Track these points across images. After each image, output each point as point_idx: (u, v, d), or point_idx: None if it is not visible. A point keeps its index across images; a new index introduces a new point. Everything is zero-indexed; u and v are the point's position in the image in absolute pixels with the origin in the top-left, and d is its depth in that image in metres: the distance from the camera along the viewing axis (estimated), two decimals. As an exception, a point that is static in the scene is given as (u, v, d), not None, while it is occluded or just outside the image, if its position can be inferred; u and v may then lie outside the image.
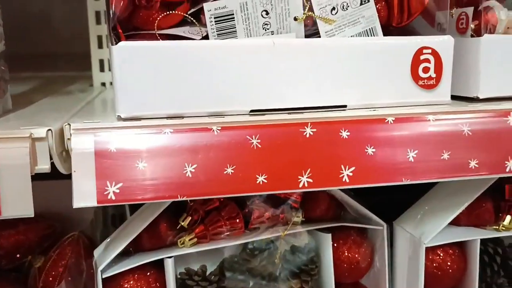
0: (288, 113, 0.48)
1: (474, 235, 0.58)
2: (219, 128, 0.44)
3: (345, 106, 0.50)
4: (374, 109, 0.50)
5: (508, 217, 0.58)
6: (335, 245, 0.60)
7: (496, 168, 0.49)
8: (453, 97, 0.56)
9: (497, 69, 0.53)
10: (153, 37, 0.47)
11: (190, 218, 0.55)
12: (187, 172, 0.43)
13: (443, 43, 0.51)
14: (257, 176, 0.45)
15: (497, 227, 0.58)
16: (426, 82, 0.51)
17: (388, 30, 0.52)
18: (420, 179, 0.48)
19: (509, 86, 0.54)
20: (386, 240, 0.61)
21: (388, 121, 0.48)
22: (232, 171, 0.44)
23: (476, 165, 0.49)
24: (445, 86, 0.52)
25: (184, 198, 0.43)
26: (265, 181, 0.45)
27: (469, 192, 0.57)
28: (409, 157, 0.47)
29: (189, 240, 0.54)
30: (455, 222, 0.59)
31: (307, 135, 0.46)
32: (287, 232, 0.58)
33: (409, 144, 0.48)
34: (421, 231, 0.58)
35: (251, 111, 0.48)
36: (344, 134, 0.47)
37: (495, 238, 0.60)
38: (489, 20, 0.54)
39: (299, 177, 0.46)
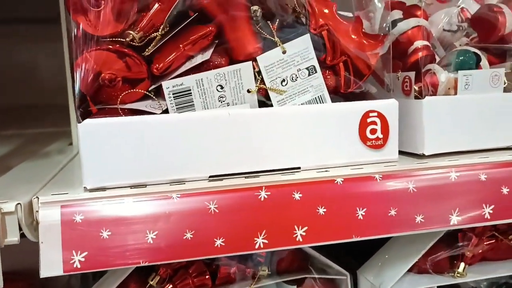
0: (246, 177, 0.52)
1: (432, 283, 0.61)
2: (179, 195, 0.48)
3: (299, 168, 0.54)
4: (326, 170, 0.54)
5: (462, 264, 0.61)
6: (301, 296, 0.63)
7: (440, 222, 0.53)
8: (403, 153, 0.60)
9: (440, 127, 0.57)
10: (117, 111, 0.51)
11: (158, 277, 0.57)
12: (148, 239, 0.46)
13: (388, 106, 0.55)
14: (215, 240, 0.48)
15: (453, 274, 0.61)
16: (374, 142, 0.55)
17: (342, 94, 0.57)
18: (369, 236, 0.51)
19: (452, 142, 0.58)
20: (350, 288, 0.64)
21: (337, 182, 0.51)
22: (191, 236, 0.47)
23: (422, 220, 0.52)
24: (392, 145, 0.56)
25: (146, 264, 0.46)
26: (223, 244, 0.48)
27: (424, 241, 0.61)
28: (358, 215, 0.51)
29: (158, 298, 0.56)
30: (414, 270, 0.62)
31: (262, 199, 0.49)
32: (254, 286, 0.60)
33: (357, 203, 0.51)
34: (381, 280, 0.61)
35: (210, 176, 0.51)
36: (297, 196, 0.50)
37: (454, 285, 0.63)
38: (431, 82, 0.58)
39: (255, 238, 0.49)
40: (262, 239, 0.49)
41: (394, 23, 0.61)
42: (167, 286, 0.57)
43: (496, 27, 0.60)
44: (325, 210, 0.50)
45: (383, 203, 0.52)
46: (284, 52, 0.52)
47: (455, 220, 0.53)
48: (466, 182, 0.54)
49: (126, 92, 0.49)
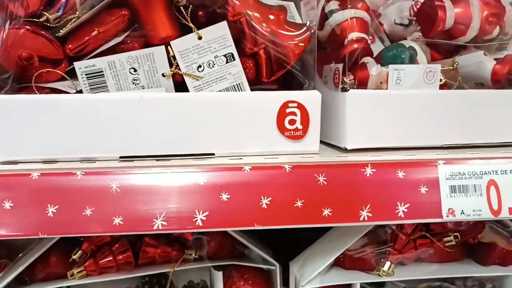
0: (156, 160, 0.53)
1: (354, 279, 0.60)
2: (83, 173, 0.49)
3: (213, 154, 0.54)
4: (240, 157, 0.54)
5: (387, 263, 0.60)
6: (228, 283, 0.64)
7: (349, 217, 0.52)
8: (332, 146, 0.59)
9: (363, 122, 0.56)
10: (39, 90, 0.53)
11: (81, 252, 0.59)
12: (49, 212, 0.48)
13: (309, 97, 0.55)
14: (114, 218, 0.49)
15: (379, 273, 0.60)
16: (293, 133, 0.55)
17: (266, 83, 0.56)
18: (272, 225, 0.51)
19: (377, 138, 0.56)
20: (279, 279, 0.64)
21: (245, 169, 0.51)
22: (91, 212, 0.49)
23: (330, 214, 0.51)
24: (313, 137, 0.55)
25: (45, 236, 0.48)
26: (121, 223, 0.49)
27: (349, 237, 0.60)
28: (262, 204, 0.51)
29: (78, 272, 0.58)
30: (342, 265, 0.62)
31: (169, 182, 0.50)
32: (177, 268, 0.61)
33: (263, 191, 0.51)
34: (302, 272, 0.60)
35: (121, 157, 0.53)
36: (201, 181, 0.51)
37: (380, 283, 0.62)
38: (361, 75, 0.57)
39: (154, 220, 0.50)
40: (161, 220, 0.50)
41: (331, 13, 0.59)
42: (89, 261, 0.59)
43: (435, 22, 0.57)
44: (228, 196, 0.51)
45: (289, 194, 0.51)
46: (199, 38, 0.52)
47: (366, 216, 0.52)
48: (381, 178, 0.53)
49: (42, 71, 0.51)
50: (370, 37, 0.65)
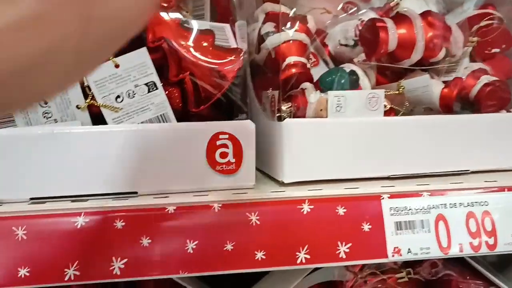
0: (72, 201, 0.48)
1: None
2: (-16, 219, 0.44)
3: (135, 193, 0.49)
4: (166, 196, 0.49)
5: (336, 305, 0.55)
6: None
7: (285, 260, 0.47)
8: (273, 179, 0.55)
9: (302, 153, 0.51)
10: None
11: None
12: None
13: (242, 128, 0.50)
14: (19, 270, 0.44)
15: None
16: (225, 167, 0.50)
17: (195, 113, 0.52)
18: (199, 272, 0.46)
19: (316, 170, 0.52)
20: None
21: (168, 210, 0.46)
22: (-9, 264, 0.43)
23: (263, 257, 0.47)
24: (247, 170, 0.51)
25: None
26: (28, 274, 0.44)
27: (291, 279, 0.55)
28: (188, 249, 0.46)
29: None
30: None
31: (79, 226, 0.45)
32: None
33: (189, 234, 0.46)
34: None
35: (31, 199, 0.47)
36: (119, 224, 0.45)
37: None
38: (299, 102, 0.53)
39: (66, 270, 0.44)
40: (73, 270, 0.44)
41: (267, 36, 0.55)
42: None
43: (377, 44, 0.53)
44: (149, 241, 0.46)
45: (218, 236, 0.46)
46: (117, 66, 0.48)
47: (303, 258, 0.47)
48: (320, 216, 0.48)
49: None
50: (314, 60, 0.62)
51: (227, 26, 0.56)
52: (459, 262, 0.61)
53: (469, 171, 0.57)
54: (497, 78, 0.57)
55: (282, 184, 0.52)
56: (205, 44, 0.49)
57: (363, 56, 0.62)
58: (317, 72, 0.60)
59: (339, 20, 0.63)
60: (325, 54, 0.61)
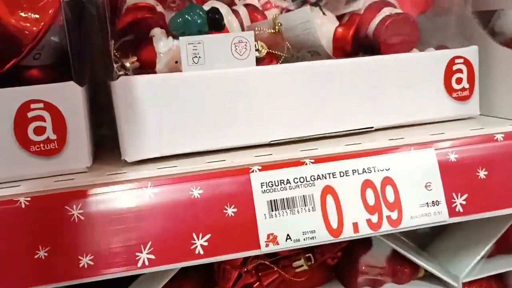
0: None
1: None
2: None
3: None
4: None
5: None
6: None
7: (124, 263, 0.35)
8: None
9: (146, 123, 0.39)
10: None
11: None
12: None
13: (63, 92, 0.38)
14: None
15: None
16: (43, 147, 0.38)
17: None
18: (-1, 292, 0.34)
19: (166, 143, 0.40)
20: None
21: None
22: None
23: (90, 263, 0.35)
24: (77, 148, 0.39)
25: None
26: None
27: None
28: None
29: None
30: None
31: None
32: None
33: None
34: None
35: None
36: None
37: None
38: (145, 54, 0.40)
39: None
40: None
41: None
42: None
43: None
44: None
45: (27, 240, 0.34)
46: None
47: (145, 260, 0.36)
48: (168, 200, 0.37)
49: None
50: (179, 3, 0.49)
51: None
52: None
53: (372, 129, 0.46)
54: (400, 11, 0.46)
55: (126, 163, 0.40)
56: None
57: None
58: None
59: None
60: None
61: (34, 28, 0.37)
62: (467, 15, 0.51)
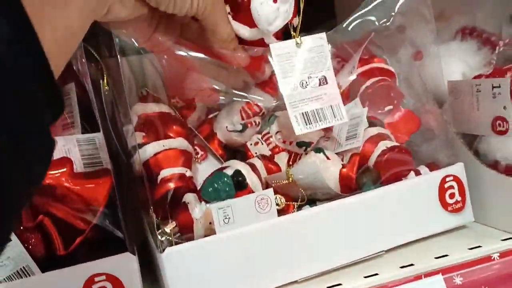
0: None
1: None
2: None
3: None
4: None
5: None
6: None
7: None
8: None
9: (191, 283, 0.46)
10: None
11: None
12: None
13: (120, 263, 0.44)
14: None
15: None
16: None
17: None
18: None
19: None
20: None
21: None
22: None
23: None
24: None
25: None
26: None
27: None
28: None
29: None
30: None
31: None
32: None
33: None
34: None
35: None
36: None
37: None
38: (183, 220, 0.47)
39: None
40: None
41: (134, 150, 0.50)
42: None
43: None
44: None
45: None
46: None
47: None
48: None
49: None
50: (201, 153, 0.57)
51: (98, 136, 0.50)
52: None
53: (383, 252, 0.52)
54: (395, 144, 0.54)
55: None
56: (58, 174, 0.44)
57: (255, 139, 0.57)
58: (207, 166, 0.55)
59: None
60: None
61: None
62: (452, 136, 0.58)
